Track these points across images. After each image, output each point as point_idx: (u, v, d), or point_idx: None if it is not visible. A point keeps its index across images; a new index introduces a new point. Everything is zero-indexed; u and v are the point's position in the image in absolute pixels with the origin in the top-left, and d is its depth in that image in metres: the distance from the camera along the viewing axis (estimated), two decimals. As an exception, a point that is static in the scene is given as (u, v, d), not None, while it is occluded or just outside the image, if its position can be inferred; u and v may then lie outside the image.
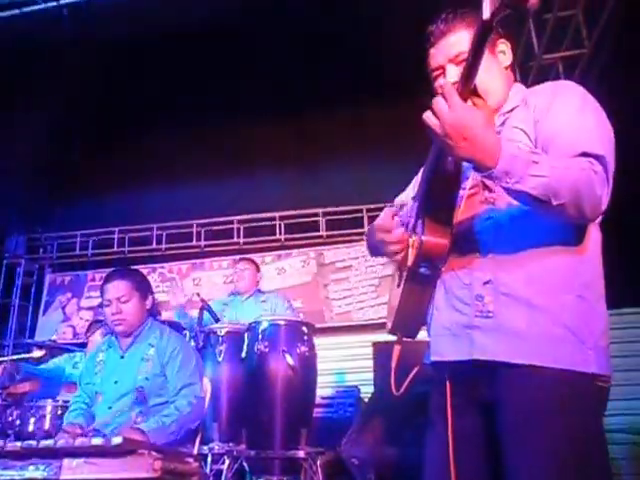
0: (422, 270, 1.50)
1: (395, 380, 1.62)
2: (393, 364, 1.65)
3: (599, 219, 1.47)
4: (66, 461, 1.97)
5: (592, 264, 1.47)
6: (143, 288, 2.96)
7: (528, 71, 4.65)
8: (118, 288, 2.86)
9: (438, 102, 1.27)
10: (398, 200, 1.93)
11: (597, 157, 1.35)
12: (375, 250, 1.70)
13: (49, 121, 6.48)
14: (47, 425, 3.87)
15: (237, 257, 5.53)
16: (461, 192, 1.52)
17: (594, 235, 1.49)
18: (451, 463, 1.45)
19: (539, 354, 1.37)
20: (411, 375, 1.63)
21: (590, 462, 1.34)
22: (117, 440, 1.92)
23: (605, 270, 1.50)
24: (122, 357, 2.88)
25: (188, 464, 2.17)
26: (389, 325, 1.69)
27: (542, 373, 1.36)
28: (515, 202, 1.40)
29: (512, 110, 1.56)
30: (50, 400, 4.03)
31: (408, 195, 1.86)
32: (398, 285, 1.65)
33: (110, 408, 2.74)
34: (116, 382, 2.80)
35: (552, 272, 1.43)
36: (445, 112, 1.26)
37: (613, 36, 4.10)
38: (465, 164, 1.42)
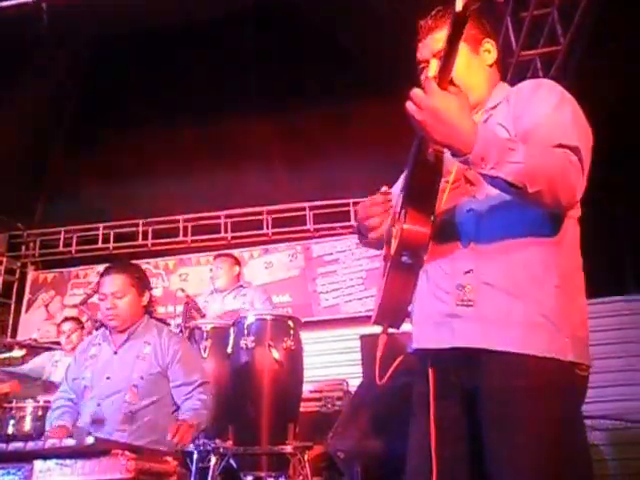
0: (404, 259, 1.50)
1: (380, 370, 1.61)
2: (378, 354, 1.64)
3: (578, 214, 1.53)
4: (37, 463, 1.89)
5: (571, 256, 1.51)
6: (140, 284, 2.88)
7: (507, 67, 4.77)
8: (114, 283, 2.79)
9: (416, 91, 1.31)
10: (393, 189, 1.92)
11: (572, 148, 1.38)
12: (361, 230, 1.73)
13: (31, 117, 6.40)
14: (27, 427, 3.80)
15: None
16: (444, 185, 1.55)
17: (572, 228, 1.53)
18: (433, 450, 1.47)
19: (518, 342, 1.41)
20: (394, 365, 1.62)
21: (569, 447, 1.38)
22: (90, 440, 1.85)
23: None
24: (115, 353, 2.80)
25: (165, 463, 2.09)
26: (374, 316, 1.67)
27: (521, 360, 1.40)
28: (495, 194, 1.43)
29: (495, 107, 1.61)
30: (31, 401, 3.95)
31: (398, 187, 1.86)
32: (383, 275, 1.65)
33: (99, 405, 2.67)
34: (108, 378, 2.72)
35: (531, 263, 1.46)
36: (422, 98, 1.29)
37: (587, 33, 4.21)
38: (447, 156, 1.42)
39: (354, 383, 5.36)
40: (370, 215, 1.65)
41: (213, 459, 3.34)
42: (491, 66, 1.68)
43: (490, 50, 1.67)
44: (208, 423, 2.77)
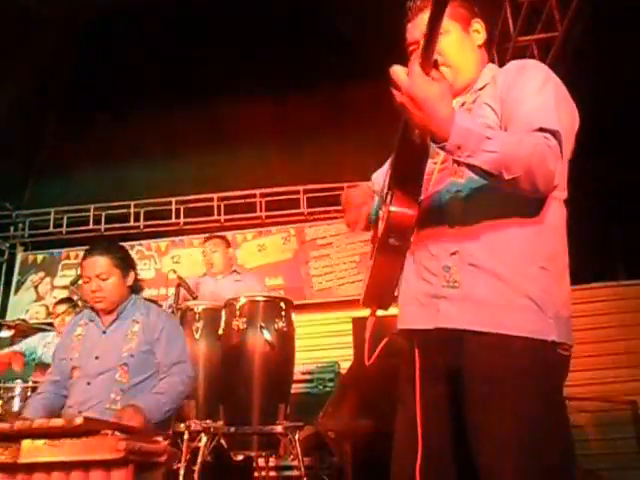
0: (391, 241, 1.49)
1: (368, 351, 1.62)
2: (367, 335, 1.65)
3: (563, 196, 1.54)
4: (25, 443, 1.87)
5: (556, 237, 1.52)
6: (124, 264, 2.82)
7: (504, 53, 4.81)
8: (98, 264, 2.73)
9: (396, 71, 1.31)
10: (375, 175, 1.94)
11: (553, 132, 1.38)
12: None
13: (23, 97, 6.33)
14: (15, 407, 3.78)
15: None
16: (432, 166, 1.57)
17: (558, 210, 1.53)
18: (419, 430, 1.47)
19: (502, 322, 1.42)
20: (381, 345, 1.63)
21: (551, 425, 1.39)
22: (78, 420, 1.83)
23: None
24: (104, 333, 2.76)
25: (156, 443, 2.08)
26: (362, 298, 1.68)
27: (505, 341, 1.41)
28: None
29: (483, 88, 1.61)
30: (19, 381, 3.94)
31: (384, 170, 1.86)
32: (370, 257, 1.66)
33: (89, 384, 2.64)
34: (97, 358, 2.68)
35: (516, 243, 1.47)
36: (403, 81, 1.29)
37: (584, 20, 4.23)
38: None
39: (346, 366, 5.38)
40: (347, 210, 1.73)
41: (204, 439, 3.34)
42: (480, 47, 1.67)
43: (479, 30, 1.67)
44: (175, 407, 2.69)
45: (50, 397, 2.75)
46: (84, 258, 2.79)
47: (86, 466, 1.84)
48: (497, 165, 1.31)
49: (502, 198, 1.45)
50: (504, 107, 1.50)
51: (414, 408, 1.50)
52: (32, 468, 1.89)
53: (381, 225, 1.52)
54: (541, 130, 1.38)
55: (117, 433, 1.84)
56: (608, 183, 5.37)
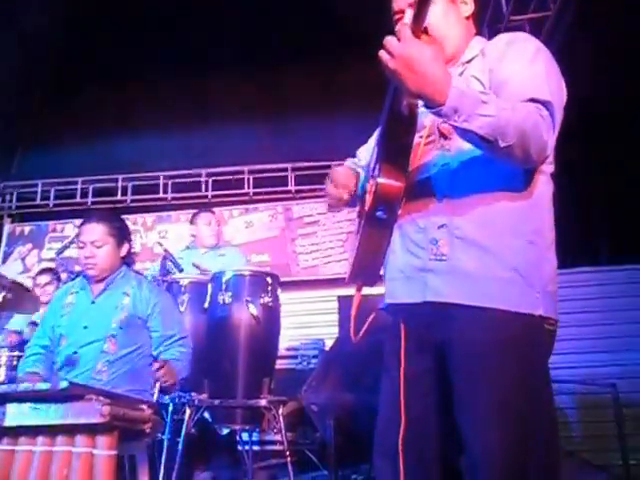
0: (379, 214, 1.50)
1: (354, 327, 1.63)
2: (353, 312, 1.66)
3: (551, 169, 1.54)
4: (10, 407, 1.89)
5: (543, 212, 1.52)
6: (120, 234, 2.86)
7: (497, 32, 4.74)
8: (94, 231, 2.78)
9: (389, 39, 1.29)
10: (360, 150, 1.96)
11: (544, 103, 1.38)
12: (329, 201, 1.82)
13: (9, 67, 6.24)
14: (1, 376, 3.78)
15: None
16: (418, 139, 1.55)
17: (546, 185, 1.53)
18: (401, 403, 1.49)
19: (489, 296, 1.43)
20: (368, 321, 1.64)
21: (536, 399, 1.40)
22: (63, 384, 1.85)
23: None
24: (93, 302, 2.79)
25: (140, 410, 2.10)
26: (348, 274, 1.68)
27: (492, 314, 1.41)
28: (469, 149, 1.42)
29: (471, 60, 1.60)
30: (5, 350, 3.94)
31: (370, 144, 1.88)
32: (357, 232, 1.66)
33: (75, 353, 2.66)
34: (85, 327, 2.71)
35: (503, 217, 1.47)
36: (395, 46, 1.27)
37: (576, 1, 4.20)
38: (421, 111, 1.42)
39: (330, 343, 5.42)
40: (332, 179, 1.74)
41: (188, 411, 3.35)
42: (467, 18, 1.68)
43: (467, 2, 1.66)
44: (187, 375, 2.82)
45: (42, 359, 2.78)
46: (82, 224, 2.83)
47: (71, 431, 1.86)
48: (493, 130, 1.30)
49: (490, 171, 1.46)
50: (492, 79, 1.49)
51: (398, 382, 1.51)
52: (17, 432, 1.91)
53: (368, 198, 1.51)
54: (532, 100, 1.38)
55: (101, 398, 1.86)
56: (594, 164, 5.41)
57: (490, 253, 1.45)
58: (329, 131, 6.69)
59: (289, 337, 5.09)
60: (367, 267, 1.61)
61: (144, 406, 2.16)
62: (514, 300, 1.42)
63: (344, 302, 4.92)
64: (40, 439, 1.90)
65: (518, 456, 1.35)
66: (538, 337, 1.44)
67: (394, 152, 1.47)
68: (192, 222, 4.69)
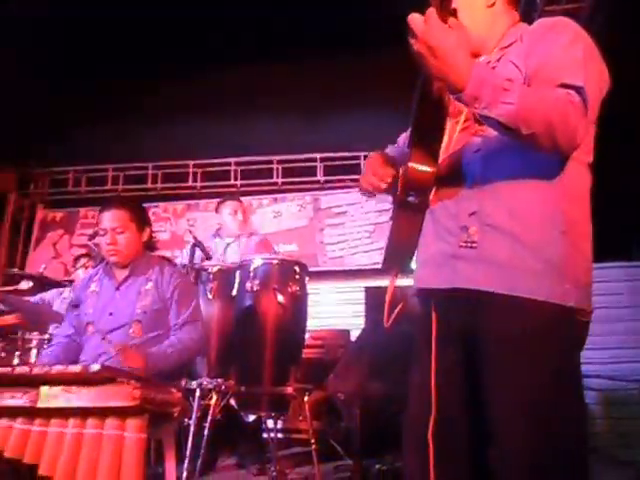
0: (410, 199, 1.49)
1: (388, 313, 1.62)
2: (387, 297, 1.64)
3: (588, 159, 1.50)
4: (43, 389, 1.92)
5: (579, 202, 1.49)
6: (140, 220, 2.87)
7: (531, 22, 4.67)
8: (114, 217, 2.78)
9: (414, 18, 1.28)
10: (401, 136, 1.93)
11: (577, 88, 1.34)
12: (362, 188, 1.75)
13: (45, 54, 6.31)
14: (33, 358, 3.85)
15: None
16: (454, 125, 1.55)
17: (581, 174, 1.50)
18: (433, 392, 1.47)
19: (519, 285, 1.40)
20: (397, 309, 1.63)
21: (566, 390, 1.39)
22: (95, 368, 1.87)
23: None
24: (117, 289, 2.81)
25: (170, 394, 2.12)
26: (383, 259, 1.68)
27: (521, 303, 1.39)
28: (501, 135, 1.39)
29: (509, 45, 1.57)
30: (37, 333, 4.00)
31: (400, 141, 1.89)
32: (391, 218, 1.64)
33: (103, 339, 2.68)
34: (111, 314, 2.73)
35: (535, 206, 1.44)
36: (420, 28, 1.27)
37: None
38: None
39: (356, 334, 5.42)
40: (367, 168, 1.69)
41: (214, 397, 3.38)
42: (509, 3, 1.64)
43: None
44: (182, 362, 2.73)
45: (63, 349, 2.80)
46: (101, 211, 2.83)
47: (102, 413, 1.88)
48: (514, 118, 1.28)
49: (523, 159, 1.43)
50: (529, 64, 1.46)
51: (429, 372, 1.50)
52: (50, 413, 1.94)
53: (399, 183, 1.51)
54: (564, 86, 1.34)
55: (133, 382, 1.88)
56: (628, 160, 5.30)
57: (521, 242, 1.42)
58: (359, 121, 6.66)
59: (315, 327, 5.09)
60: (400, 252, 1.61)
61: (173, 390, 2.18)
62: (545, 290, 1.39)
63: (371, 293, 4.93)
64: (71, 421, 1.92)
65: (547, 449, 1.33)
66: (569, 328, 1.42)
67: (425, 136, 1.46)
68: (217, 211, 4.66)
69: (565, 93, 1.33)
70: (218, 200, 4.88)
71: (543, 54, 1.44)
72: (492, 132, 1.45)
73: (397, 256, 1.63)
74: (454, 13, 1.32)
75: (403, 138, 1.91)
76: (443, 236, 1.54)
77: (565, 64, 1.39)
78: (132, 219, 2.80)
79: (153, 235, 2.94)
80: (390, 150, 1.88)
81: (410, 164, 1.43)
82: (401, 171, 1.52)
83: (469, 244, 1.47)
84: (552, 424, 1.35)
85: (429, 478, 1.46)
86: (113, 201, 2.89)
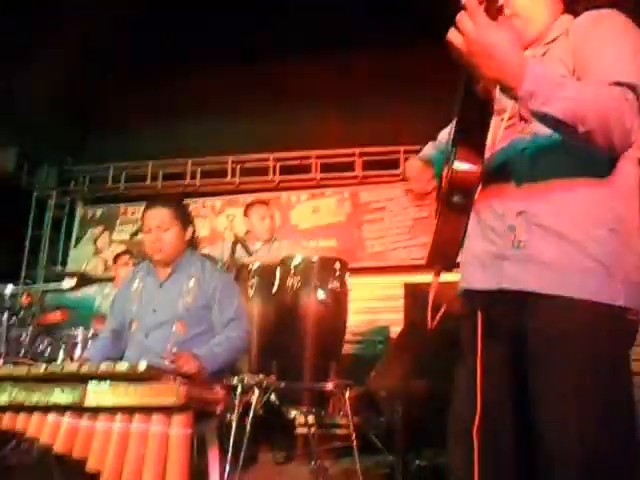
0: (455, 199, 1.45)
1: (432, 314, 1.60)
2: (430, 297, 1.62)
3: (638, 155, 1.46)
4: (91, 385, 1.95)
5: (627, 199, 1.46)
6: (184, 218, 2.89)
7: (574, 11, 4.56)
8: (159, 216, 2.80)
9: (463, 19, 1.24)
10: (441, 133, 1.92)
11: (630, 86, 1.31)
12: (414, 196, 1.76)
13: (82, 50, 6.40)
14: (78, 353, 3.92)
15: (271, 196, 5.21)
16: (499, 122, 1.53)
17: (631, 170, 1.47)
18: (478, 392, 1.46)
19: (568, 285, 1.38)
20: (442, 310, 1.60)
21: (615, 392, 1.37)
22: (142, 366, 1.90)
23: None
24: (161, 286, 2.84)
25: (214, 392, 2.15)
26: (426, 258, 1.64)
27: (571, 304, 1.37)
28: (551, 133, 1.37)
29: (554, 40, 1.53)
30: (81, 329, 4.07)
31: (451, 127, 1.79)
32: (435, 217, 1.61)
33: (146, 337, 2.73)
34: (155, 311, 2.77)
35: (585, 204, 1.42)
36: (470, 29, 1.23)
37: None
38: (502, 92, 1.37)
39: (396, 329, 5.40)
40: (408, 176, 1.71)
41: (256, 392, 3.40)
42: None
43: None
44: (230, 360, 2.77)
45: (108, 344, 2.85)
46: (146, 209, 2.86)
47: (149, 410, 1.91)
48: (572, 115, 1.25)
49: (571, 157, 1.41)
50: (577, 60, 1.43)
51: (474, 371, 1.49)
52: (97, 410, 1.97)
53: (444, 184, 1.49)
54: (617, 84, 1.31)
55: (179, 380, 1.90)
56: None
57: (569, 242, 1.40)
58: (397, 116, 6.60)
59: (354, 322, 5.08)
60: (445, 252, 1.58)
61: (217, 387, 2.20)
62: (593, 290, 1.37)
63: (410, 289, 4.89)
64: (118, 417, 1.96)
65: (595, 452, 1.31)
66: (619, 328, 1.40)
67: (470, 135, 1.43)
68: (245, 214, 4.65)
69: (620, 90, 1.30)
70: (261, 196, 4.88)
71: (591, 50, 1.41)
72: (539, 130, 1.43)
73: (441, 256, 1.60)
74: (500, 10, 1.30)
75: (444, 135, 1.89)
76: (489, 236, 1.53)
77: (615, 60, 1.36)
78: (176, 217, 2.83)
79: (196, 234, 2.96)
80: (427, 149, 1.88)
81: (455, 164, 1.40)
82: (445, 171, 1.50)
83: (516, 244, 1.46)
84: (603, 425, 1.33)
85: (473, 475, 1.45)
86: (157, 199, 2.91)
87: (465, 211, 1.50)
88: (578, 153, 1.38)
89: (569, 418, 1.34)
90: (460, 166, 1.41)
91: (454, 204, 1.46)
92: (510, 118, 1.53)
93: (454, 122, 1.69)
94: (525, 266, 1.44)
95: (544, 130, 1.40)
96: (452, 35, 1.26)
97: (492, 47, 1.23)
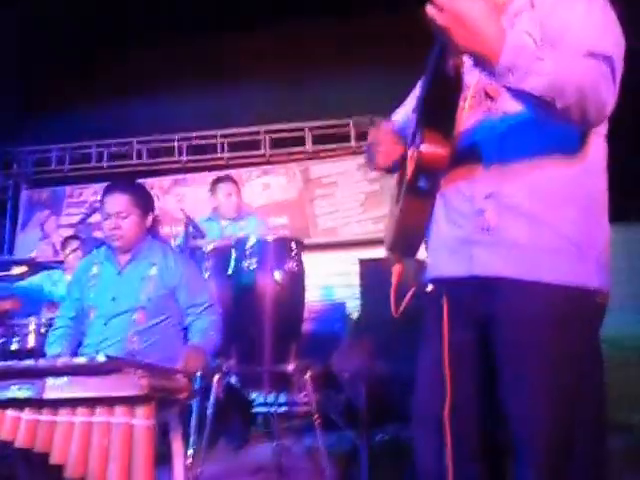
0: (421, 184, 1.42)
1: (395, 300, 1.59)
2: (393, 283, 1.61)
3: (604, 130, 1.44)
4: (50, 380, 1.90)
5: (596, 176, 1.44)
6: (144, 204, 2.83)
7: None
8: (118, 202, 2.73)
9: None
10: (396, 113, 1.85)
11: (604, 58, 1.28)
12: (369, 159, 1.70)
13: (20, 32, 6.18)
14: (31, 343, 3.84)
15: (220, 174, 5.19)
16: (462, 102, 1.46)
17: (600, 147, 1.45)
18: (447, 378, 1.44)
19: (540, 269, 1.36)
20: (408, 296, 1.59)
21: (587, 376, 1.36)
22: (101, 358, 1.86)
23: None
24: (119, 274, 2.78)
25: (176, 381, 2.12)
26: (387, 244, 1.63)
27: (542, 288, 1.35)
28: (518, 111, 1.34)
29: (519, 13, 1.47)
30: (33, 318, 3.98)
31: (407, 109, 1.77)
32: (397, 202, 1.58)
33: (105, 324, 2.68)
34: (114, 299, 2.71)
35: (555, 183, 1.38)
36: (445, 0, 1.19)
37: None
38: (467, 69, 1.34)
39: (351, 306, 5.44)
40: (380, 142, 1.62)
41: (216, 377, 3.38)
42: None
43: None
44: (218, 344, 2.83)
45: (69, 332, 2.80)
46: (104, 194, 2.78)
47: (110, 402, 1.88)
48: (550, 90, 1.21)
49: (542, 135, 1.38)
50: (545, 33, 1.38)
51: (440, 357, 1.47)
52: (57, 404, 1.93)
53: (409, 166, 1.43)
54: (591, 55, 1.28)
55: (139, 371, 1.87)
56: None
57: (541, 222, 1.37)
58: (346, 89, 6.59)
59: (310, 300, 5.10)
60: (408, 238, 1.56)
61: (179, 376, 2.17)
62: (566, 272, 1.36)
63: (366, 265, 4.92)
64: (80, 410, 1.92)
65: (566, 436, 1.33)
66: (590, 312, 1.39)
67: (437, 117, 1.39)
68: (212, 192, 4.56)
69: (594, 62, 1.28)
70: (208, 175, 4.80)
71: (560, 21, 1.37)
72: (507, 108, 1.40)
73: (404, 242, 1.57)
74: None
75: (400, 113, 1.83)
76: (456, 221, 1.49)
77: (587, 31, 1.33)
78: (136, 204, 2.76)
79: (157, 219, 2.90)
80: (398, 117, 1.81)
81: (422, 147, 1.36)
82: (410, 153, 1.45)
83: (485, 228, 1.42)
84: (572, 412, 1.34)
85: (446, 459, 1.45)
86: (117, 185, 2.82)
87: (430, 195, 1.48)
88: (548, 131, 1.36)
89: (538, 404, 1.34)
90: (427, 149, 1.37)
91: (419, 189, 1.43)
92: (473, 97, 1.49)
93: (412, 101, 1.66)
94: (495, 250, 1.40)
95: (512, 108, 1.38)
96: (429, 8, 1.21)
97: (467, 16, 1.18)
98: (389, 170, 1.71)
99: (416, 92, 1.70)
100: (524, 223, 1.38)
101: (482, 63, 1.23)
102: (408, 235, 1.55)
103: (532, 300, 1.36)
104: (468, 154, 1.46)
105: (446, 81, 1.34)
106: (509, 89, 1.25)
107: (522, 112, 1.36)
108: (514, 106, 1.35)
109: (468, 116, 1.48)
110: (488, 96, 1.45)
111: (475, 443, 1.48)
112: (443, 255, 1.53)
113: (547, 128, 1.35)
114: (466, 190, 1.47)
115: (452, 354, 1.46)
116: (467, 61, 1.31)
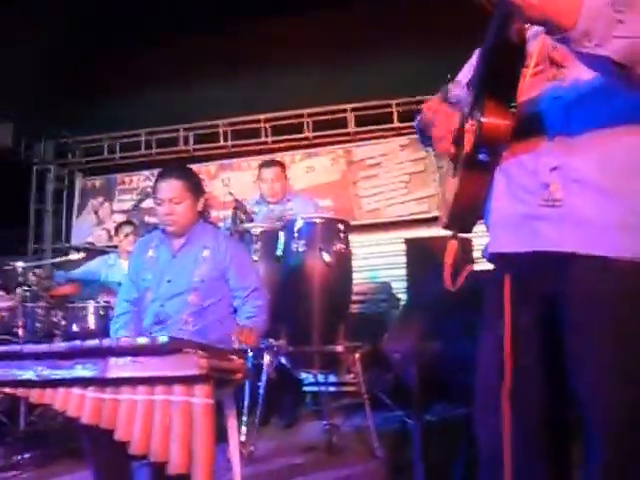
0: (481, 156, 1.35)
1: (450, 276, 1.52)
2: (449, 260, 1.54)
3: None
4: (112, 360, 1.99)
5: None
6: (196, 189, 2.88)
7: None
8: (171, 188, 2.79)
9: None
10: (452, 84, 1.69)
11: None
12: (422, 134, 1.62)
13: (71, 21, 6.29)
14: (91, 325, 3.99)
15: (264, 158, 5.25)
16: (523, 70, 1.37)
17: None
18: (507, 357, 1.40)
19: (609, 244, 1.28)
20: (463, 274, 1.53)
21: None
22: (163, 339, 1.93)
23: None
24: (174, 257, 2.86)
25: (233, 361, 2.19)
26: (444, 219, 1.56)
27: (612, 264, 1.28)
28: (588, 78, 1.27)
29: None
30: (92, 301, 4.13)
31: (461, 82, 1.65)
32: (453, 176, 1.51)
33: (162, 306, 2.77)
34: (169, 281, 2.79)
35: (627, 155, 1.30)
36: None
37: None
38: (531, 34, 1.28)
39: (397, 286, 5.47)
40: (435, 112, 1.53)
41: (266, 357, 3.46)
42: None
43: None
44: (266, 327, 2.90)
45: (133, 317, 2.90)
46: (157, 180, 2.85)
47: (170, 381, 1.95)
48: (629, 55, 1.12)
49: (612, 104, 1.29)
50: None
51: (502, 336, 1.41)
52: (119, 382, 2.01)
53: (467, 139, 1.36)
54: None
55: (199, 351, 1.94)
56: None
57: (611, 196, 1.29)
58: (389, 69, 6.52)
59: (356, 281, 5.15)
60: (465, 213, 1.50)
61: (234, 356, 2.24)
62: (635, 247, 1.28)
63: (412, 245, 4.94)
64: (140, 388, 2.00)
65: (636, 419, 1.27)
66: None
67: (499, 86, 1.31)
68: (258, 176, 4.62)
69: None
70: (255, 159, 4.86)
71: None
72: (573, 76, 1.33)
73: (462, 217, 1.51)
74: None
75: (456, 86, 1.64)
76: (519, 195, 1.41)
77: None
78: (189, 189, 2.82)
79: (208, 203, 2.97)
80: (455, 90, 1.65)
81: (484, 119, 1.29)
82: (468, 126, 1.37)
83: (551, 202, 1.34)
84: None
85: (506, 441, 1.41)
86: (170, 172, 2.87)
87: (490, 169, 1.42)
88: (618, 99, 1.28)
89: (610, 384, 1.29)
90: (490, 121, 1.30)
91: (479, 162, 1.37)
92: (537, 64, 1.40)
93: (472, 73, 1.52)
94: (562, 226, 1.33)
95: (580, 75, 1.31)
96: None
97: None
98: (444, 145, 1.57)
99: (471, 64, 1.62)
100: (592, 196, 1.30)
101: (555, 29, 1.14)
102: (465, 210, 1.49)
103: (599, 275, 1.29)
104: (531, 125, 1.38)
105: (509, 48, 1.27)
106: (583, 55, 1.16)
107: (592, 80, 1.28)
108: (583, 73, 1.28)
109: (531, 84, 1.40)
110: (553, 63, 1.37)
111: (536, 428, 1.43)
112: (505, 231, 1.45)
113: (617, 96, 1.27)
114: (529, 163, 1.39)
115: (514, 335, 1.41)
116: (529, 27, 1.26)
